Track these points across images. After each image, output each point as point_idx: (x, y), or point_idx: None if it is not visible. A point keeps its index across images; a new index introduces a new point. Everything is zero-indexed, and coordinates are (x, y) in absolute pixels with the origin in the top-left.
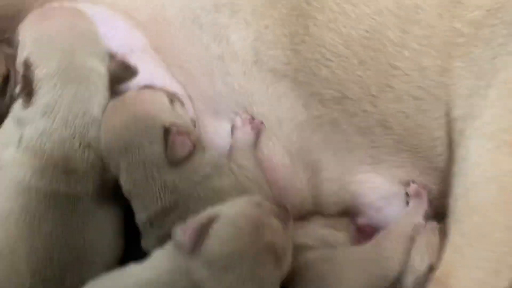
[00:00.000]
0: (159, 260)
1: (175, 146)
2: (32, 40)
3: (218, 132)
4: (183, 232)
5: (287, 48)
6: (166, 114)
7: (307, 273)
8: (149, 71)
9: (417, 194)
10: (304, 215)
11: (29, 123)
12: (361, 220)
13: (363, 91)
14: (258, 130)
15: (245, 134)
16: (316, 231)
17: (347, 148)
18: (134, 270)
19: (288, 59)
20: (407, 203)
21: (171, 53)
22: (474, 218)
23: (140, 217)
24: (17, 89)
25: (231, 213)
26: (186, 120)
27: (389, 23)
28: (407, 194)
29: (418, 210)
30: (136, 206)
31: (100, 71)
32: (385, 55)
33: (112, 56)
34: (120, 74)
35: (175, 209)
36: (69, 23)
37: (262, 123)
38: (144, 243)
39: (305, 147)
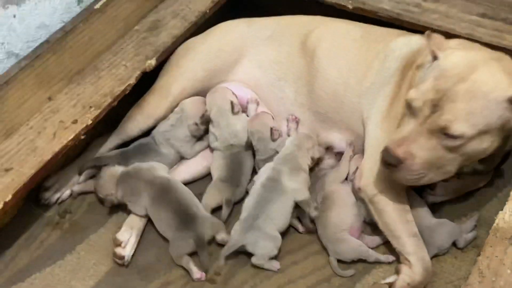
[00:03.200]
0: None
1: (274, 134)
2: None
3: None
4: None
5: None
6: (271, 122)
7: None
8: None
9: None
10: None
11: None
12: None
13: (330, 110)
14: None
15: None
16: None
17: (325, 124)
18: None
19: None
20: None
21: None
22: (371, 146)
23: (260, 158)
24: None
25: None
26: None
27: (341, 90)
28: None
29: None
30: (257, 153)
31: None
32: (340, 99)
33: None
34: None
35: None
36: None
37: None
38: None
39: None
